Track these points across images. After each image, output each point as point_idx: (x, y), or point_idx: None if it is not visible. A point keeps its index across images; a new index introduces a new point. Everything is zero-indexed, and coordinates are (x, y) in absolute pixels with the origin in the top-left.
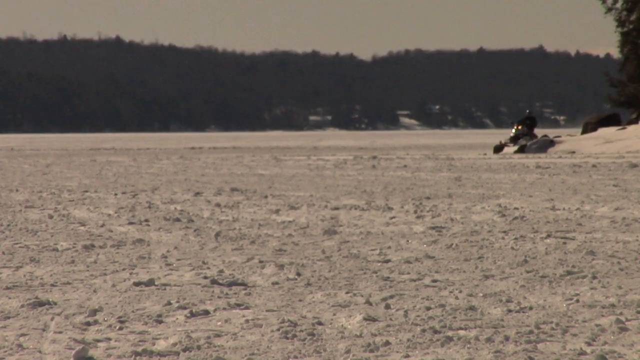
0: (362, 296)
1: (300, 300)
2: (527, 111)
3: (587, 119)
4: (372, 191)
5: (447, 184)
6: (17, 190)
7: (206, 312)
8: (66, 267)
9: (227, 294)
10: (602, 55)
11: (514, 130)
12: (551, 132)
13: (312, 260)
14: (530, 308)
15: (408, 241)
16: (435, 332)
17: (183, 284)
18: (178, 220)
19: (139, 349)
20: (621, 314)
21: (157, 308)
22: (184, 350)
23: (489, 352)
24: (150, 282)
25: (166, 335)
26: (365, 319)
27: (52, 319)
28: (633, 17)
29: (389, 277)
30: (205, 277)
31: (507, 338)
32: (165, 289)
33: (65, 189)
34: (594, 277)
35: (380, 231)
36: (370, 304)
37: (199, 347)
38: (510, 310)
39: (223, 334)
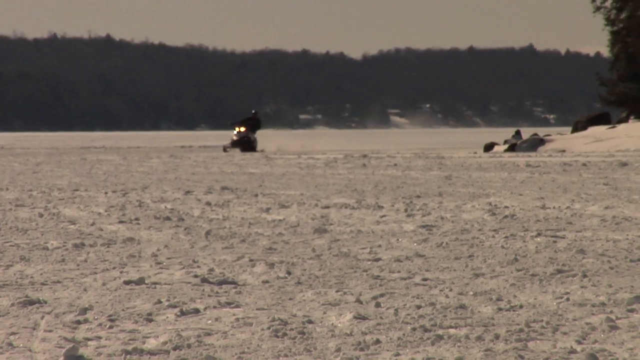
0: (352, 295)
1: (290, 299)
2: (253, 111)
3: (578, 118)
4: (362, 190)
5: (438, 183)
6: (7, 189)
7: (196, 311)
8: (56, 265)
9: (217, 292)
10: (592, 54)
11: (235, 132)
12: (541, 131)
13: (303, 259)
14: (521, 306)
15: (398, 240)
16: (426, 330)
17: (173, 282)
18: (168, 218)
19: (130, 348)
20: (611, 312)
21: (148, 307)
22: (174, 349)
23: (480, 350)
24: (140, 281)
25: (156, 333)
26: (355, 317)
27: (42, 318)
28: (623, 16)
29: (379, 276)
30: (196, 276)
31: (497, 336)
32: (155, 288)
33: (55, 187)
34: (584, 276)
35: (370, 230)
36: (361, 303)
37: (189, 346)
38: (500, 309)
39: (213, 333)
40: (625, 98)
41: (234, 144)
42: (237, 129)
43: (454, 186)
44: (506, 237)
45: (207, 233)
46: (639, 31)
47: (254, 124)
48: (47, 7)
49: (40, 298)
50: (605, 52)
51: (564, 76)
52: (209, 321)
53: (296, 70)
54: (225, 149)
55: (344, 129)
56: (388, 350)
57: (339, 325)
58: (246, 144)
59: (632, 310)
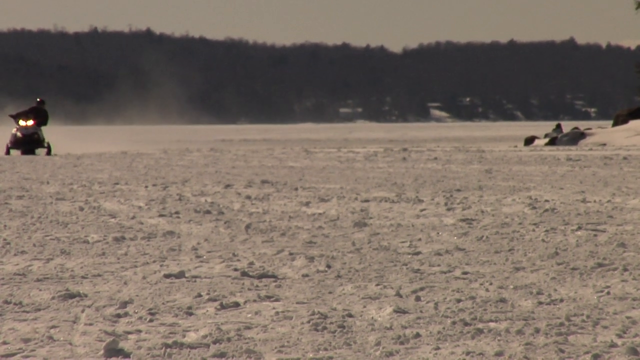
0: (392, 288)
1: (330, 293)
2: (38, 99)
3: (618, 111)
4: (402, 183)
5: (478, 176)
6: (48, 183)
7: (236, 304)
8: (97, 259)
9: (257, 286)
10: (633, 47)
11: (19, 126)
12: (582, 124)
13: (342, 253)
14: (561, 300)
15: (438, 233)
16: (466, 324)
17: (213, 276)
18: (208, 212)
19: (169, 341)
20: None
21: (188, 300)
22: (214, 343)
23: (520, 344)
24: (180, 274)
25: (196, 327)
26: (395, 311)
27: (82, 311)
28: None
29: (419, 270)
30: (236, 269)
31: (537, 330)
32: (195, 281)
33: (95, 181)
34: (625, 270)
35: (410, 223)
36: (401, 296)
37: (229, 339)
38: (540, 303)
39: (253, 326)
40: None
41: (19, 142)
42: (21, 122)
43: (494, 180)
44: (547, 230)
45: (247, 227)
46: None
47: (42, 117)
48: (88, 1)
49: (81, 291)
50: None
51: (605, 70)
52: (249, 315)
53: (336, 64)
54: (8, 151)
55: (384, 122)
56: (428, 344)
57: (379, 319)
58: (35, 143)
59: None
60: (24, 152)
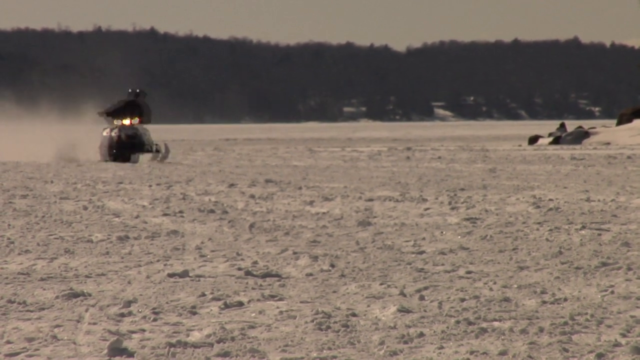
0: (396, 287)
1: (334, 292)
2: (137, 90)
3: (622, 110)
4: (406, 182)
5: (482, 176)
6: (52, 182)
7: (240, 304)
8: (101, 258)
9: (261, 285)
10: (637, 46)
11: (114, 126)
12: (586, 124)
13: (346, 252)
14: (565, 299)
15: (442, 232)
16: (470, 323)
17: (217, 275)
18: (212, 211)
19: (173, 340)
20: None
21: (192, 299)
22: (218, 342)
23: (524, 343)
24: (184, 274)
25: (200, 326)
26: (399, 310)
27: (86, 310)
28: None
29: (423, 269)
30: (240, 269)
31: (541, 329)
32: (199, 280)
33: (99, 180)
34: (629, 269)
35: (414, 222)
36: (405, 296)
37: (233, 339)
38: (544, 302)
39: (257, 325)
40: None
41: (120, 147)
42: (124, 121)
43: (498, 179)
44: (550, 230)
45: (251, 226)
46: None
47: (145, 113)
48: (92, 0)
49: (85, 291)
50: None
51: (609, 68)
52: (253, 314)
53: (340, 63)
54: (114, 157)
55: (387, 122)
56: (432, 344)
57: (383, 318)
58: (139, 147)
59: None
60: (123, 160)
